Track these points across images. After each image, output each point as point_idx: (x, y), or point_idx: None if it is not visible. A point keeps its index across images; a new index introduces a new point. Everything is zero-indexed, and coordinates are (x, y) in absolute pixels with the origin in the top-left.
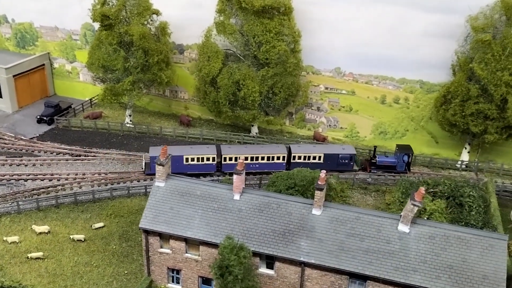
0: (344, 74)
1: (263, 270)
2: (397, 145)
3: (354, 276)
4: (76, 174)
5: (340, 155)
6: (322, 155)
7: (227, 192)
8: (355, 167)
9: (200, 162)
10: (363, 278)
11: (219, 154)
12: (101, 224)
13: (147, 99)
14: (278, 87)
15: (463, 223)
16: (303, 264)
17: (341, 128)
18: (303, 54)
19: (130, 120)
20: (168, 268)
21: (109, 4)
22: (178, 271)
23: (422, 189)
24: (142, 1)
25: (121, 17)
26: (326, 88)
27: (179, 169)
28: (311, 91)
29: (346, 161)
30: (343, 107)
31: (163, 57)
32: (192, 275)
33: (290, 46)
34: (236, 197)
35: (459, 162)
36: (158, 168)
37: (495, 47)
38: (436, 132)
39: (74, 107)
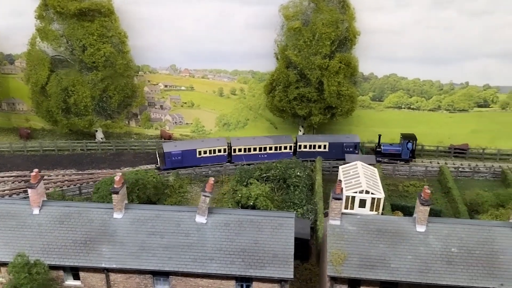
0: (180, 70)
1: (70, 282)
2: (402, 134)
3: (157, 273)
4: None
5: (344, 144)
6: (327, 144)
7: (26, 207)
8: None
9: (212, 154)
10: (166, 274)
11: (229, 146)
12: None
13: None
14: (112, 89)
15: (289, 202)
16: (106, 270)
17: (187, 124)
18: (136, 54)
19: None
20: None
21: None
22: None
23: (212, 180)
24: None
25: None
26: (166, 86)
27: (192, 162)
28: (152, 90)
29: (351, 149)
30: (185, 103)
31: None
32: None
33: (118, 47)
34: (35, 211)
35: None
36: None
37: (305, 34)
38: (274, 119)
39: None
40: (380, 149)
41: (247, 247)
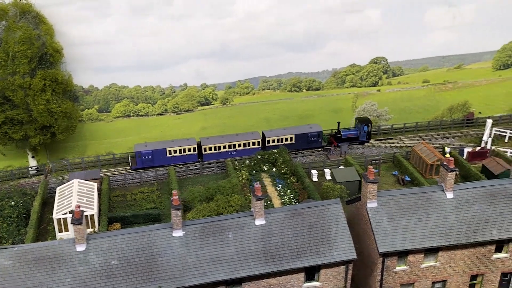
0: None
1: None
2: (356, 118)
3: None
4: None
5: (309, 134)
6: (293, 136)
7: None
8: (323, 143)
9: (182, 153)
10: None
11: (199, 145)
12: None
13: None
14: None
15: None
16: None
17: None
18: None
19: None
20: None
21: None
22: None
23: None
24: None
25: None
26: None
27: (163, 161)
28: None
29: (315, 138)
30: None
31: None
32: None
33: None
34: None
35: (30, 169)
36: None
37: None
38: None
39: None
40: (340, 135)
41: None
